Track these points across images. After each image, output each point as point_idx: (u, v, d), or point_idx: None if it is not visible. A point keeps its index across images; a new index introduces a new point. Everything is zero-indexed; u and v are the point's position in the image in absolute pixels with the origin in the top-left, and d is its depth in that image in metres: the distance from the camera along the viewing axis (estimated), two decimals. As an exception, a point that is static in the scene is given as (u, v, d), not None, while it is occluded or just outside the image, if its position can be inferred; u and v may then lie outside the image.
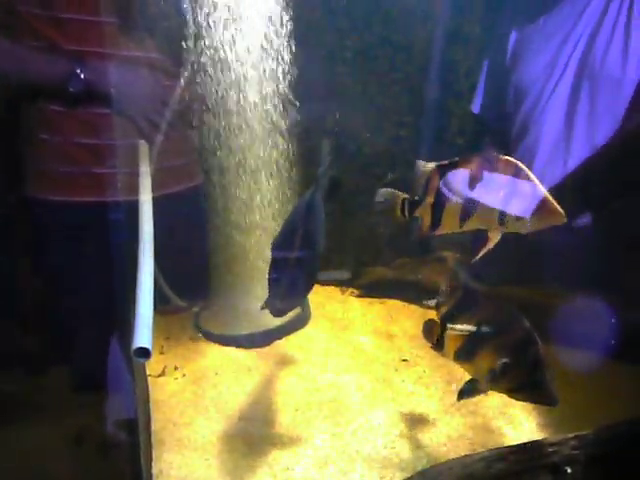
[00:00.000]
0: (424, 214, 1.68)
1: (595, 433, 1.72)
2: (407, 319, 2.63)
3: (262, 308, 1.51)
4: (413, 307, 2.72)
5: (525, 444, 1.69)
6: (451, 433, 1.92)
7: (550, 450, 1.67)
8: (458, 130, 2.68)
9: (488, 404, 2.05)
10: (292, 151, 2.35)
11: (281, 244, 1.50)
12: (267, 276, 1.49)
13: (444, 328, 1.71)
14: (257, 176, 2.34)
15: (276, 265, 1.47)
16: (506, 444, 1.77)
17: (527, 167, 1.58)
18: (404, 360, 2.31)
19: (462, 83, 2.65)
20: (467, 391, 1.67)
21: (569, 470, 1.63)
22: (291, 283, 1.44)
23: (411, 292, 2.70)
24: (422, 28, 2.59)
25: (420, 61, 2.62)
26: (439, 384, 2.16)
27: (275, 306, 1.44)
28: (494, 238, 1.56)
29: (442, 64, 2.62)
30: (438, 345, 1.74)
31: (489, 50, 2.38)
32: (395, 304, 2.75)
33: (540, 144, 2.18)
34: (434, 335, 1.74)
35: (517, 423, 1.98)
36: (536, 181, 1.47)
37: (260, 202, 2.37)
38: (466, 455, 1.67)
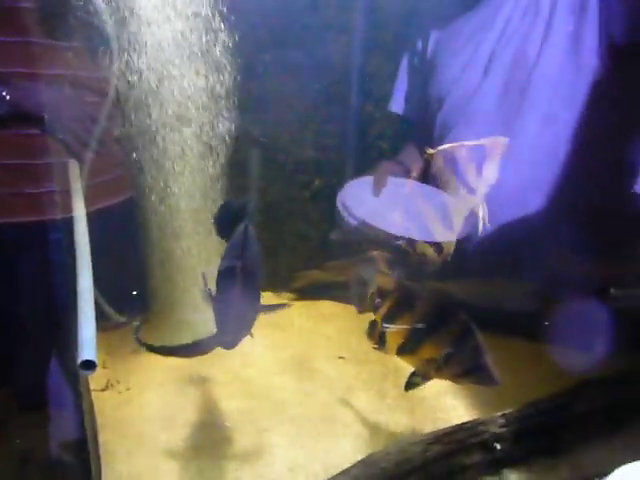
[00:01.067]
0: None
1: (519, 410, 1.85)
2: (341, 318, 2.73)
3: (212, 345, 1.56)
4: (346, 306, 2.81)
5: (457, 425, 1.80)
6: (390, 422, 2.03)
7: (480, 429, 1.79)
8: (379, 134, 2.79)
9: (423, 394, 2.16)
10: (221, 160, 2.40)
11: (223, 282, 1.55)
12: (213, 312, 1.54)
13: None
14: (189, 185, 2.38)
15: (220, 303, 1.52)
16: (442, 425, 1.87)
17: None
18: (341, 357, 2.40)
19: (382, 89, 2.76)
20: (412, 383, 1.78)
21: (498, 446, 1.77)
22: (238, 318, 1.50)
23: (343, 292, 2.78)
24: (340, 38, 2.68)
25: (340, 71, 2.71)
26: (375, 378, 2.26)
27: (226, 342, 1.48)
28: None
29: (361, 72, 2.72)
30: (381, 344, 1.83)
31: (407, 50, 2.40)
32: (329, 305, 2.85)
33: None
34: (376, 335, 1.83)
35: (450, 408, 2.11)
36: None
37: (194, 211, 2.42)
38: (403, 440, 1.78)
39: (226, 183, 2.45)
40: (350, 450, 1.90)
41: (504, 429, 1.81)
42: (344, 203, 2.10)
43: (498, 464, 1.80)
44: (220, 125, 2.34)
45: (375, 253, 2.76)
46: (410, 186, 2.16)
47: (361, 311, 1.89)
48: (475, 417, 1.87)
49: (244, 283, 1.51)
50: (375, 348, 1.85)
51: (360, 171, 2.68)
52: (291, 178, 2.78)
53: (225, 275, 1.56)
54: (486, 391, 1.95)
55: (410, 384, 1.78)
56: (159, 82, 2.20)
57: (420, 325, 1.73)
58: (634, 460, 1.72)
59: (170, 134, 2.28)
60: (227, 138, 2.37)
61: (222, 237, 1.77)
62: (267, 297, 2.83)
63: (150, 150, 2.29)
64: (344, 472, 1.70)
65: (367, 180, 2.17)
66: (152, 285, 2.55)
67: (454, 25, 2.23)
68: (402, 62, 2.39)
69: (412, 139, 2.40)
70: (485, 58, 2.12)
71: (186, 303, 2.52)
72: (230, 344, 1.47)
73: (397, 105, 2.42)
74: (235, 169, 2.49)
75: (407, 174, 2.25)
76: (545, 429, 1.86)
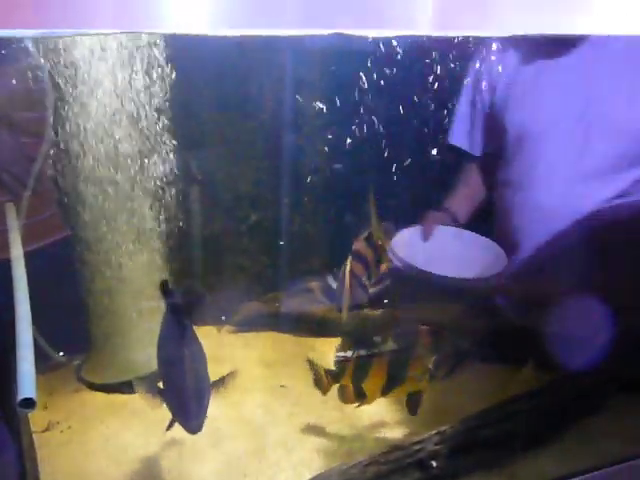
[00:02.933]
0: None
1: (452, 427, 1.95)
2: (282, 349, 2.77)
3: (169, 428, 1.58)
4: (286, 337, 2.87)
5: (394, 446, 1.88)
6: (330, 444, 2.10)
7: (416, 448, 1.87)
8: (313, 169, 2.88)
9: (361, 415, 2.23)
10: (159, 198, 2.44)
11: (173, 373, 1.57)
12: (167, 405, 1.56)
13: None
14: (126, 223, 2.40)
15: (178, 392, 1.54)
16: (379, 446, 1.95)
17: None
18: (282, 386, 2.46)
19: (312, 125, 2.86)
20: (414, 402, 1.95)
21: (434, 464, 1.84)
22: (198, 401, 1.52)
23: (283, 323, 2.86)
24: (272, 81, 2.76)
25: (273, 108, 2.80)
26: (318, 405, 2.31)
27: (192, 428, 1.50)
28: None
29: (293, 110, 2.82)
30: (361, 399, 1.96)
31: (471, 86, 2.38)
32: (269, 335, 2.88)
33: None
34: (351, 396, 1.95)
35: (388, 428, 2.18)
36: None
37: (132, 248, 2.43)
38: (343, 463, 1.84)
39: (164, 221, 2.49)
40: (292, 476, 1.95)
41: (440, 446, 1.88)
42: (394, 250, 2.17)
43: None
44: (157, 163, 2.38)
45: (313, 284, 2.85)
46: (453, 233, 2.30)
47: (325, 391, 1.98)
48: (411, 436, 1.96)
49: (193, 368, 1.55)
50: (358, 406, 1.96)
51: (296, 205, 2.84)
52: (228, 212, 2.82)
53: (172, 366, 1.57)
54: (422, 410, 2.02)
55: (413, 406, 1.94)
56: (94, 121, 2.21)
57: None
58: (567, 471, 1.88)
59: (105, 173, 2.30)
60: (164, 176, 2.41)
61: None
62: (207, 331, 2.87)
63: (86, 188, 2.30)
64: None
65: (416, 229, 2.30)
66: (92, 323, 2.54)
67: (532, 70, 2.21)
68: (463, 97, 2.40)
69: (458, 186, 2.45)
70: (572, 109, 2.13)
71: (127, 340, 2.53)
72: (196, 428, 1.49)
73: (458, 139, 2.42)
74: (174, 206, 2.52)
75: (454, 222, 2.35)
76: (480, 444, 1.95)
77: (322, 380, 1.96)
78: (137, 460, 2.05)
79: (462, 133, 2.39)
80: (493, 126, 2.27)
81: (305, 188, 2.87)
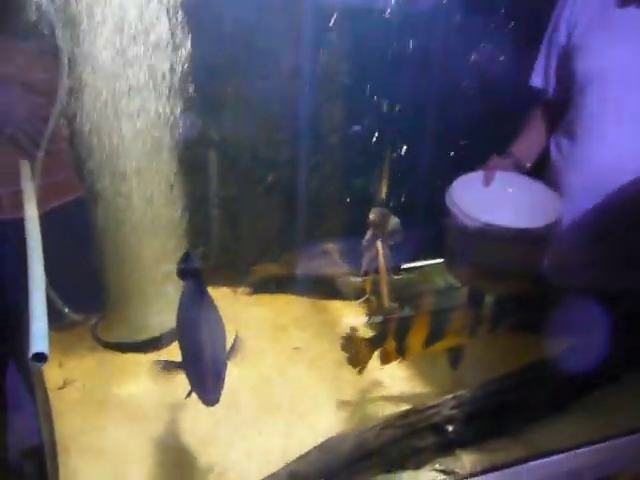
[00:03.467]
0: None
1: (470, 392, 1.91)
2: (297, 311, 2.76)
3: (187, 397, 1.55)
4: (302, 299, 2.85)
5: (409, 410, 1.86)
6: (344, 407, 2.08)
7: (431, 412, 1.84)
8: (331, 129, 2.83)
9: (377, 379, 2.22)
10: (176, 158, 2.40)
11: (191, 345, 1.52)
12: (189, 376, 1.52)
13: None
14: (144, 183, 2.37)
15: (195, 364, 1.49)
16: (395, 410, 1.95)
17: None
18: (296, 348, 2.44)
19: (330, 85, 2.79)
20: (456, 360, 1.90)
21: (450, 428, 1.82)
22: (215, 374, 1.48)
23: (299, 285, 2.83)
24: (287, 36, 2.69)
25: (291, 67, 2.73)
26: (332, 367, 2.29)
27: (209, 400, 1.45)
28: None
29: (312, 68, 2.74)
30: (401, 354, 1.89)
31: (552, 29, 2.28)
32: (285, 298, 2.87)
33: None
34: (392, 355, 1.88)
35: (400, 395, 2.16)
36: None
37: (149, 208, 2.41)
38: (358, 426, 1.84)
39: (182, 181, 2.45)
40: (306, 437, 1.92)
41: (455, 411, 1.86)
42: (452, 200, 2.12)
43: (451, 446, 1.85)
44: (174, 122, 2.33)
45: (330, 246, 2.81)
46: (515, 179, 2.24)
47: (362, 368, 1.92)
48: (427, 400, 1.92)
49: (211, 340, 1.50)
50: (400, 362, 1.92)
51: (314, 166, 2.80)
52: (245, 174, 2.79)
53: (190, 337, 1.53)
54: (440, 375, 2.00)
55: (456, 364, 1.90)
56: (110, 79, 2.18)
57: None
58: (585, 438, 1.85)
59: (122, 131, 2.26)
60: (182, 135, 2.37)
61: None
62: (223, 293, 2.86)
63: (102, 148, 2.27)
64: (301, 458, 1.76)
65: (474, 176, 2.24)
66: (108, 283, 2.53)
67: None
68: (545, 40, 2.31)
69: (526, 130, 2.38)
70: None
71: (142, 299, 2.52)
72: (213, 401, 1.45)
73: (537, 79, 2.32)
74: (191, 167, 2.50)
75: (519, 167, 2.28)
76: (496, 410, 1.92)
77: (361, 353, 1.89)
78: (151, 419, 2.06)
79: (539, 74, 2.33)
80: (568, 69, 2.21)
81: (322, 149, 2.82)
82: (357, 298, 2.06)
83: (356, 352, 1.89)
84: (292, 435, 1.97)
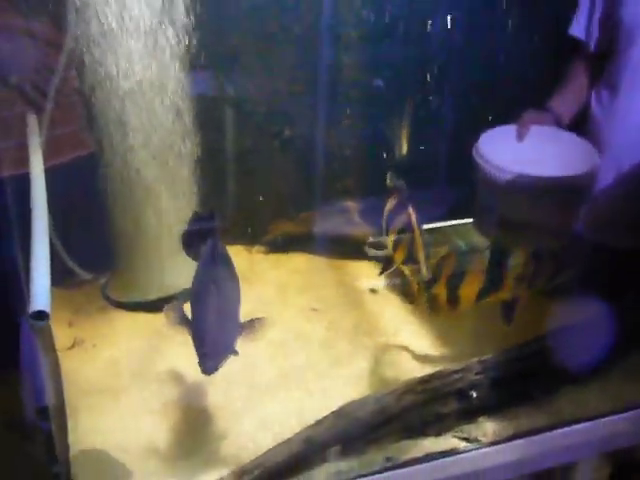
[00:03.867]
0: None
1: (495, 357, 1.84)
2: (314, 270, 2.68)
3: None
4: (319, 259, 2.77)
5: (432, 374, 1.79)
6: (363, 372, 2.02)
7: (455, 377, 1.78)
8: (351, 82, 2.71)
9: (398, 342, 2.15)
10: (189, 114, 2.31)
11: (199, 308, 1.48)
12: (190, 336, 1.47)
13: None
14: (156, 141, 2.29)
15: (197, 329, 1.44)
16: (417, 374, 1.85)
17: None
18: (314, 309, 2.37)
19: (351, 35, 2.67)
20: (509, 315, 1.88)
21: (474, 394, 1.76)
22: (216, 343, 1.42)
23: (316, 245, 2.75)
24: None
25: (309, 18, 2.61)
26: (349, 329, 2.24)
27: (206, 367, 1.39)
28: None
29: (330, 20, 2.62)
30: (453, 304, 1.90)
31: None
32: (302, 257, 2.79)
33: None
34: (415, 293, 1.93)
35: (423, 358, 2.09)
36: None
37: (161, 166, 2.34)
38: (377, 390, 1.76)
39: (195, 138, 2.37)
40: (325, 402, 1.86)
41: (480, 376, 1.80)
42: (479, 152, 2.05)
43: (474, 412, 1.80)
44: (185, 76, 2.25)
45: (349, 204, 2.72)
46: (549, 133, 2.15)
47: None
48: (451, 365, 1.85)
49: (220, 306, 1.46)
50: (452, 312, 1.91)
51: (332, 121, 2.68)
52: (260, 128, 2.68)
53: (200, 300, 1.48)
54: (465, 338, 1.92)
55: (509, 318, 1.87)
56: (121, 34, 2.08)
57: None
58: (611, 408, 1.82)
59: (135, 86, 2.18)
60: (191, 90, 2.30)
61: (191, 256, 1.68)
62: (238, 251, 2.77)
63: (114, 102, 2.18)
64: (318, 423, 1.69)
65: (504, 129, 2.18)
66: (119, 240, 2.47)
67: None
68: None
69: (565, 84, 2.29)
70: None
71: (154, 258, 2.45)
72: (210, 369, 1.39)
73: (579, 30, 2.22)
74: (204, 122, 2.40)
75: (557, 122, 2.19)
76: (521, 375, 1.86)
77: (413, 288, 1.92)
78: (163, 381, 2.01)
79: (581, 24, 2.22)
80: (614, 17, 2.11)
81: (341, 103, 2.69)
82: (386, 260, 1.95)
83: (408, 288, 1.96)
84: (309, 401, 1.91)
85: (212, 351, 1.39)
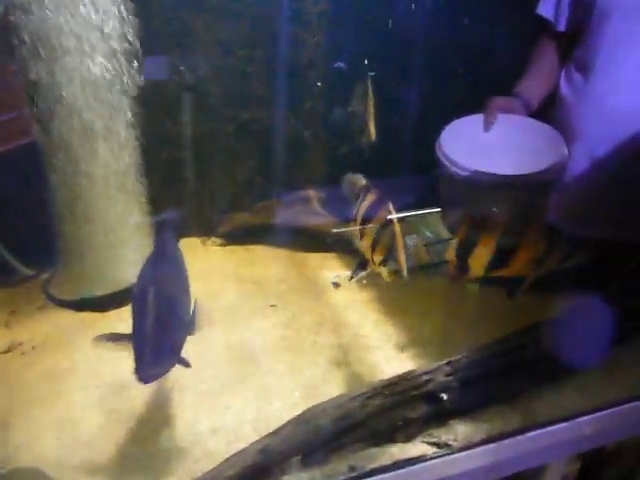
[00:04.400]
0: None
1: (466, 356, 1.73)
2: (273, 264, 2.56)
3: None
4: (279, 251, 2.65)
5: (399, 376, 1.68)
6: (325, 374, 1.89)
7: (424, 379, 1.66)
8: (309, 62, 2.57)
9: (363, 342, 2.04)
10: (138, 99, 2.19)
11: (141, 307, 1.34)
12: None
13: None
14: (100, 126, 2.16)
15: (135, 335, 1.32)
16: (383, 377, 1.74)
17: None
18: (272, 306, 2.24)
19: (311, 13, 2.52)
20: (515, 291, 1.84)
21: (445, 397, 1.65)
22: (159, 349, 1.29)
23: (276, 236, 2.63)
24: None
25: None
26: (312, 327, 2.12)
27: (144, 374, 1.25)
28: None
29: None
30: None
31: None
32: (260, 250, 2.67)
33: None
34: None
35: (391, 357, 1.97)
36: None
37: (108, 156, 2.21)
38: (340, 395, 1.63)
39: (143, 124, 2.24)
40: (284, 408, 1.76)
41: (450, 377, 1.69)
42: (442, 148, 1.95)
43: (445, 415, 1.68)
44: (131, 51, 2.13)
45: (310, 192, 2.59)
46: (515, 121, 2.05)
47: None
48: (419, 366, 1.72)
49: (161, 310, 1.32)
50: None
51: (292, 104, 2.55)
52: (214, 112, 2.53)
53: (138, 305, 1.35)
54: (435, 336, 1.81)
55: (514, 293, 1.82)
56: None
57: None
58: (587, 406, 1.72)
59: (78, 66, 2.05)
60: (138, 67, 2.16)
61: None
62: (192, 243, 2.66)
63: (56, 86, 2.05)
64: (274, 433, 1.57)
65: (468, 120, 2.07)
66: (64, 234, 2.30)
67: None
68: None
69: (533, 67, 2.20)
70: None
71: (102, 252, 2.31)
72: (146, 378, 1.26)
73: (546, 9, 2.15)
74: (152, 106, 2.27)
75: (526, 108, 2.09)
76: (494, 375, 1.74)
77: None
78: (107, 386, 1.85)
79: (549, 3, 2.14)
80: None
81: (301, 85, 2.57)
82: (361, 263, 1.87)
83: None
84: (266, 407, 1.77)
85: (149, 359, 1.26)
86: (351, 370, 1.91)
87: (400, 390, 1.65)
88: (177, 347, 1.33)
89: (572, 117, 2.08)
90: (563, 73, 2.13)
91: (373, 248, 1.78)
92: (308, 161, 2.64)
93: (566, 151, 1.92)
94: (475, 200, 1.95)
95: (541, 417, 1.71)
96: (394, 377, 1.68)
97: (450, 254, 1.82)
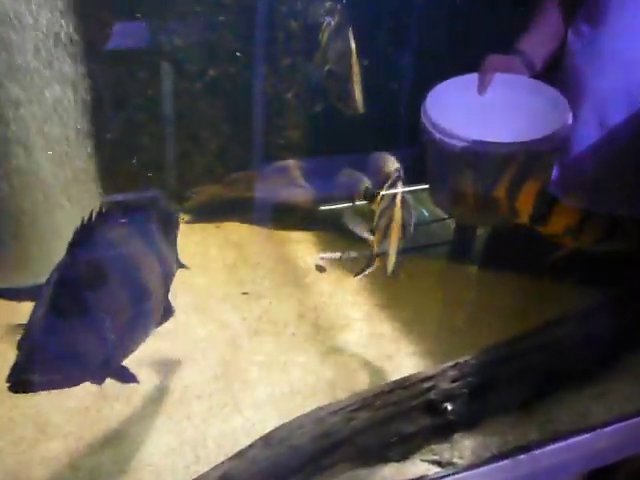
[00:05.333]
0: None
1: (475, 358, 1.53)
2: (248, 244, 2.31)
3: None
4: (256, 230, 2.40)
5: (394, 383, 1.47)
6: (308, 377, 1.66)
7: (425, 386, 1.46)
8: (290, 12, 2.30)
9: (351, 337, 1.81)
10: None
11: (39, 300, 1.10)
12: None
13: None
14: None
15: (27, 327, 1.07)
16: (374, 383, 1.59)
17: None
18: (244, 293, 2.00)
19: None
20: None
21: (449, 407, 1.45)
22: (44, 353, 1.04)
23: (251, 212, 2.38)
24: None
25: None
26: (291, 318, 1.88)
27: (15, 378, 1.00)
28: None
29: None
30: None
31: None
32: (233, 227, 2.41)
33: None
34: None
35: (383, 358, 1.75)
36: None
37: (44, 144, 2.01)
38: (321, 407, 1.40)
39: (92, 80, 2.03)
40: (253, 420, 1.52)
41: (457, 383, 1.48)
42: (427, 113, 1.81)
43: (449, 428, 1.48)
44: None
45: (291, 162, 2.35)
46: (516, 83, 1.90)
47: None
48: (420, 370, 1.54)
49: (59, 309, 1.07)
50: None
51: (270, 58, 2.32)
52: (179, 67, 2.25)
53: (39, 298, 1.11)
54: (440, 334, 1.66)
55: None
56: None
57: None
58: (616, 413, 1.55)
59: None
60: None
61: None
62: None
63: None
64: (239, 455, 1.35)
65: (457, 82, 1.93)
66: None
67: None
68: None
69: (537, 21, 2.02)
70: None
71: (31, 242, 2.08)
72: (16, 386, 1.00)
73: None
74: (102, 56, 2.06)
75: (528, 67, 1.93)
76: (506, 380, 1.54)
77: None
78: (35, 400, 1.57)
79: None
80: None
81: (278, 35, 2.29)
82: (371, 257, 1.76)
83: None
84: (233, 420, 1.52)
85: (26, 362, 1.01)
86: (336, 373, 1.67)
87: (395, 400, 1.42)
88: (97, 356, 1.09)
89: (581, 77, 1.92)
90: (571, 28, 1.96)
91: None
92: (289, 125, 2.39)
93: (570, 116, 1.79)
94: (466, 174, 1.82)
95: (562, 427, 1.53)
96: (387, 384, 1.49)
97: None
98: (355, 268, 2.04)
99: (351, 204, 2.07)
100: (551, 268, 1.80)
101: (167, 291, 1.39)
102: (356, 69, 2.18)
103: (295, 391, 1.59)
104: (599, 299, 1.77)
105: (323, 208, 2.29)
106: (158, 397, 1.58)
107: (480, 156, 1.74)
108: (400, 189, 1.87)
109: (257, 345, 1.74)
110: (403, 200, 1.82)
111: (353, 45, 2.16)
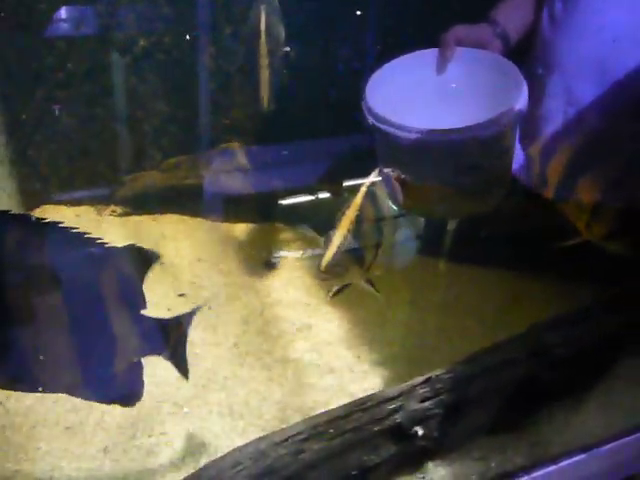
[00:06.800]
0: None
1: (452, 370, 1.35)
2: (187, 238, 2.07)
3: None
4: (197, 221, 2.17)
5: (352, 404, 1.26)
6: (251, 397, 1.42)
7: (390, 407, 1.26)
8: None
9: (305, 347, 1.59)
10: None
11: None
12: None
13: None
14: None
15: None
16: (332, 402, 1.40)
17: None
18: (181, 295, 1.77)
19: None
20: None
21: (420, 431, 1.26)
22: None
23: (192, 202, 2.15)
24: None
25: None
26: (233, 325, 1.64)
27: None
28: None
29: None
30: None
31: None
32: (172, 220, 2.18)
33: None
34: None
35: (343, 372, 1.52)
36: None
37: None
38: (261, 438, 1.18)
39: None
40: (183, 453, 1.26)
41: (428, 403, 1.28)
42: (367, 99, 1.63)
43: (420, 456, 1.30)
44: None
45: (236, 146, 2.12)
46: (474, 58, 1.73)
47: None
48: (385, 384, 1.42)
49: None
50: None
51: (209, 24, 2.10)
52: (105, 37, 2.02)
53: None
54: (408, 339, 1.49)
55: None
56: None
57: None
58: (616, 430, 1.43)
59: None
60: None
61: None
62: (85, 212, 2.16)
63: None
64: None
65: (409, 59, 1.74)
66: None
67: None
68: None
69: None
70: None
71: None
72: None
73: None
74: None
75: (502, 40, 1.77)
76: (490, 395, 1.37)
77: None
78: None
79: None
80: None
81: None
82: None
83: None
84: (158, 454, 1.26)
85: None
86: (286, 391, 1.43)
87: (353, 426, 1.21)
88: None
89: (551, 57, 1.81)
90: (545, 5, 1.84)
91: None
92: (235, 103, 2.16)
93: (525, 94, 1.61)
94: (412, 165, 1.62)
95: (554, 448, 1.38)
96: (343, 406, 1.25)
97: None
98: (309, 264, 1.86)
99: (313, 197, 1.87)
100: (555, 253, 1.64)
101: None
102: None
103: (236, 415, 1.34)
104: (593, 299, 1.58)
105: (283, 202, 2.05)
106: (59, 422, 1.32)
107: (428, 146, 1.57)
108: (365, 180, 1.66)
109: (192, 358, 1.46)
110: (368, 193, 1.61)
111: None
